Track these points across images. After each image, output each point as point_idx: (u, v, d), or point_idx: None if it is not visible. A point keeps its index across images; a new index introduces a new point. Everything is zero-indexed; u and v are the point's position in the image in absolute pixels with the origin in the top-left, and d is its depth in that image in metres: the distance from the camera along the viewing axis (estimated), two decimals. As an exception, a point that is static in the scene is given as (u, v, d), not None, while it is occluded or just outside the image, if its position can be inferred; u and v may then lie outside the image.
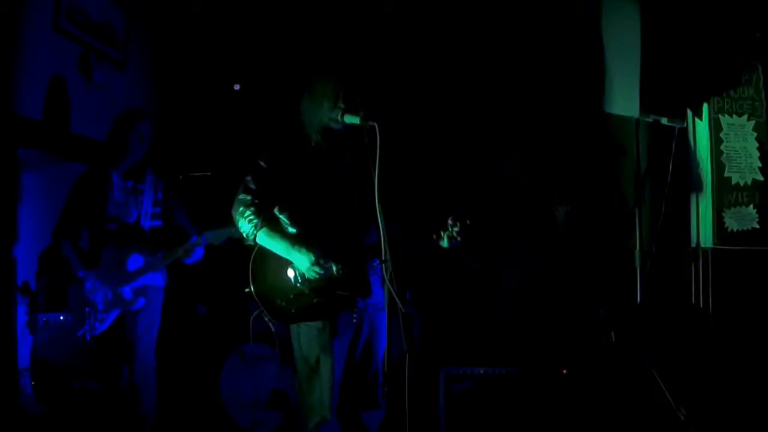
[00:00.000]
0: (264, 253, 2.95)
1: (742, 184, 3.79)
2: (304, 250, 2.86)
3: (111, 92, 4.51)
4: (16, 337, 3.66)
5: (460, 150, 4.64)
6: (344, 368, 3.02)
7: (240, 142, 4.52)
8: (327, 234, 2.93)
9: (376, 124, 2.66)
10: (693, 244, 3.87)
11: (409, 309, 2.83)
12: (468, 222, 2.85)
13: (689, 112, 3.86)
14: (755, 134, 3.83)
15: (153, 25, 5.03)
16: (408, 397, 2.59)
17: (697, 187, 3.84)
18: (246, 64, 4.90)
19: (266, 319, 3.08)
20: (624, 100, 3.70)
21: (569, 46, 4.36)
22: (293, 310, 2.94)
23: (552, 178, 4.39)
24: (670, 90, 3.73)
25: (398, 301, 2.60)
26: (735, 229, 3.77)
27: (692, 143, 3.88)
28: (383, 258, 2.65)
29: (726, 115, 3.83)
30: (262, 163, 2.98)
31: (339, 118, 2.86)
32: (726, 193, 3.79)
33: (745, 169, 3.81)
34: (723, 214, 3.77)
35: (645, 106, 3.64)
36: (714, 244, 3.76)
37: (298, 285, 2.91)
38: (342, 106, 2.87)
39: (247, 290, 2.95)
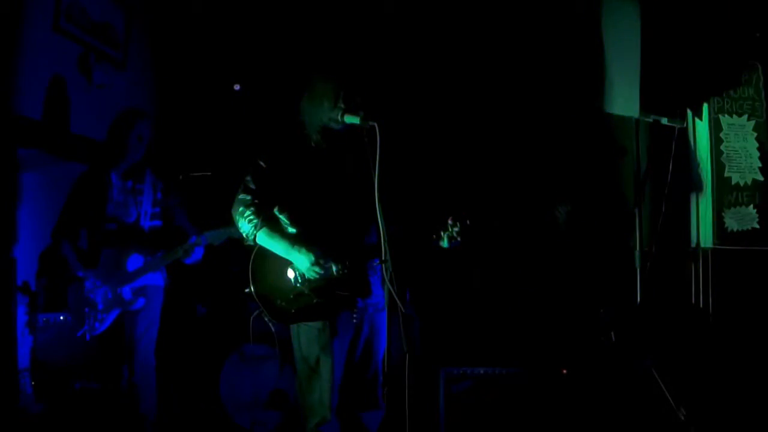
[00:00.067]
0: (264, 253, 2.95)
1: (742, 184, 3.79)
2: (304, 250, 2.86)
3: (111, 92, 4.51)
4: (16, 337, 3.66)
5: (461, 150, 4.64)
6: (344, 368, 3.02)
7: (240, 142, 4.51)
8: (327, 234, 2.93)
9: (376, 124, 2.66)
10: (693, 244, 3.87)
11: (409, 309, 2.83)
12: (468, 222, 2.85)
13: (689, 112, 3.86)
14: (755, 134, 3.83)
15: (153, 25, 5.03)
16: (408, 397, 2.59)
17: (697, 187, 3.84)
18: (246, 64, 4.90)
19: (266, 319, 3.07)
20: (624, 100, 3.70)
21: (569, 46, 4.36)
22: (293, 310, 2.94)
23: (552, 179, 4.39)
24: (670, 90, 3.73)
25: (398, 301, 2.60)
26: (735, 229, 3.77)
27: (692, 143, 3.89)
28: (383, 258, 2.65)
29: (726, 115, 3.83)
30: (261, 163, 2.98)
31: (339, 118, 2.85)
32: (726, 193, 3.79)
33: (745, 169, 3.81)
34: (723, 214, 3.78)
35: (645, 106, 3.64)
36: (714, 244, 3.77)
37: (298, 285, 2.91)
38: (342, 106, 2.87)
39: (247, 290, 2.95)
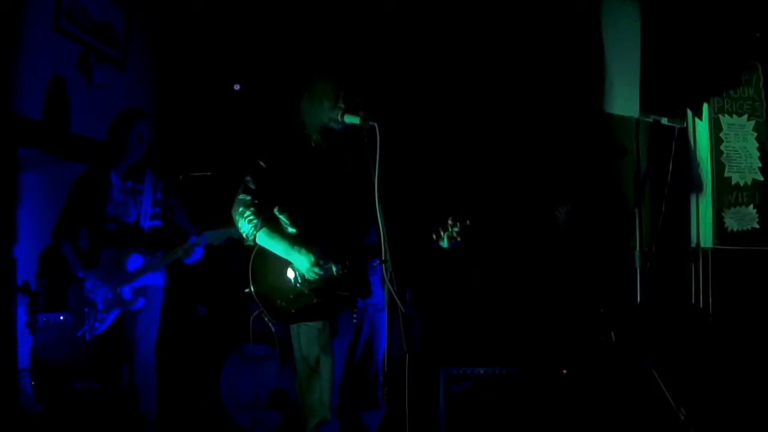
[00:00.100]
0: (264, 253, 2.95)
1: (742, 184, 3.79)
2: (303, 251, 2.86)
3: (111, 92, 4.51)
4: (16, 337, 3.66)
5: (461, 150, 4.64)
6: (344, 368, 3.02)
7: (240, 142, 4.51)
8: (327, 234, 2.93)
9: (376, 124, 2.66)
10: (693, 244, 3.87)
11: (409, 309, 2.83)
12: (468, 222, 2.85)
13: (689, 112, 3.86)
14: (755, 134, 3.83)
15: (153, 25, 5.03)
16: (408, 397, 2.59)
17: (697, 187, 3.84)
18: (246, 64, 4.90)
19: (266, 319, 3.07)
20: (624, 100, 3.70)
21: (569, 46, 4.36)
22: (293, 310, 2.94)
23: (552, 179, 4.39)
24: (670, 90, 3.73)
25: (398, 301, 2.60)
26: (735, 229, 3.77)
27: (692, 143, 3.89)
28: (383, 258, 2.65)
29: (726, 115, 3.83)
30: (261, 163, 2.98)
31: (339, 118, 2.85)
32: (726, 193, 3.79)
33: (745, 169, 3.81)
34: (723, 214, 3.78)
35: (645, 106, 3.64)
36: (714, 244, 3.76)
37: (298, 285, 2.91)
38: (342, 106, 2.87)
39: (247, 290, 2.95)
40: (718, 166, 3.81)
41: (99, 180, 3.73)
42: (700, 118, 3.85)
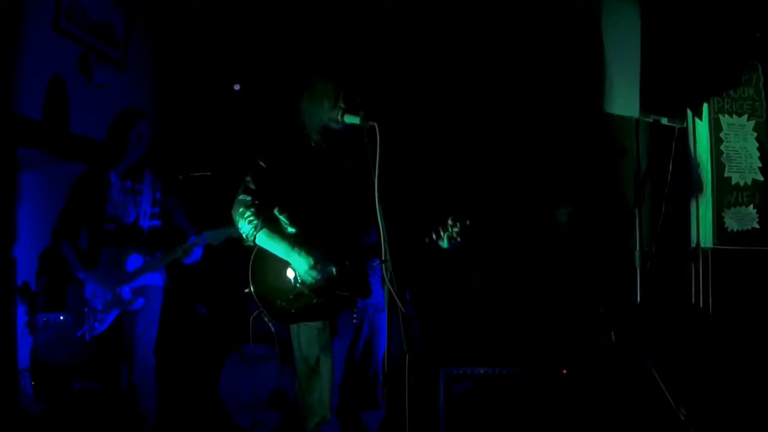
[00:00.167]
0: (264, 253, 2.95)
1: (742, 184, 3.79)
2: (303, 253, 2.85)
3: (111, 92, 4.51)
4: (16, 337, 3.66)
5: (461, 150, 4.64)
6: (344, 368, 3.02)
7: (240, 142, 4.51)
8: (327, 234, 2.93)
9: (376, 124, 2.66)
10: (693, 244, 3.87)
11: (409, 309, 2.83)
12: (468, 222, 2.85)
13: (689, 112, 3.86)
14: (755, 134, 3.83)
15: (153, 25, 5.03)
16: (408, 397, 2.59)
17: (697, 187, 3.84)
18: (246, 64, 4.90)
19: (266, 319, 3.07)
20: (624, 100, 3.70)
21: (569, 46, 4.36)
22: (293, 311, 2.94)
23: (552, 179, 4.39)
24: (670, 90, 3.73)
25: (398, 301, 2.60)
26: (735, 229, 3.77)
27: (692, 143, 3.88)
28: (383, 258, 2.64)
29: (726, 115, 3.83)
30: (262, 164, 2.98)
31: (339, 118, 2.85)
32: (726, 193, 3.79)
33: (745, 169, 3.81)
34: (723, 214, 3.78)
35: (645, 106, 3.64)
36: (714, 244, 3.76)
37: (298, 285, 2.91)
38: (342, 105, 2.87)
39: (246, 290, 2.95)
40: (718, 166, 3.81)
41: (98, 180, 3.73)
42: (700, 118, 3.85)
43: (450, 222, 2.85)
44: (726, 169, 3.81)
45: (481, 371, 3.68)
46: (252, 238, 2.93)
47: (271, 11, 4.95)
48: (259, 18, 4.96)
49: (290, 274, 2.92)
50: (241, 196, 2.97)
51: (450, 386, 3.65)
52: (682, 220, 3.89)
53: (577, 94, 4.30)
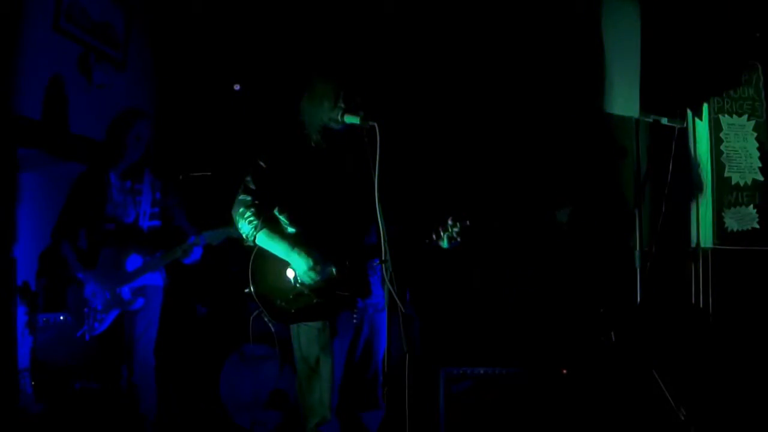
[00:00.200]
0: (264, 253, 2.95)
1: (742, 184, 3.79)
2: (303, 254, 2.85)
3: (111, 92, 4.51)
4: (16, 337, 3.66)
5: (461, 150, 4.64)
6: (344, 368, 3.02)
7: (240, 142, 4.51)
8: (327, 234, 2.93)
9: (376, 124, 2.66)
10: (693, 244, 3.86)
11: (409, 309, 2.84)
12: (468, 223, 2.85)
13: (689, 112, 3.85)
14: (755, 134, 3.82)
15: (153, 25, 5.03)
16: (408, 397, 2.59)
17: (697, 187, 3.84)
18: (246, 64, 4.90)
19: (266, 319, 3.07)
20: (624, 100, 3.70)
21: (569, 46, 4.36)
22: (293, 311, 2.94)
23: (552, 179, 4.39)
24: (670, 90, 3.73)
25: (398, 301, 2.60)
26: (735, 229, 3.77)
27: (692, 143, 3.88)
28: (383, 258, 2.65)
29: (726, 115, 3.83)
30: (262, 164, 2.98)
31: (339, 118, 2.85)
32: (726, 193, 3.79)
33: (745, 169, 3.80)
34: (723, 214, 3.77)
35: (645, 106, 3.64)
36: (714, 244, 3.76)
37: (298, 285, 2.91)
38: (342, 106, 2.87)
39: (246, 290, 2.95)
40: (718, 166, 3.80)
41: (98, 180, 3.73)
42: (700, 118, 3.85)
43: (450, 222, 2.86)
44: (726, 169, 3.81)
45: (481, 371, 3.68)
46: (252, 238, 2.93)
47: (271, 11, 4.95)
48: (259, 18, 4.96)
49: (290, 274, 2.92)
50: (241, 196, 2.96)
51: (450, 386, 3.65)
52: (682, 220, 3.89)
53: (577, 94, 4.30)
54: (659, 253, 3.73)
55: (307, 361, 2.95)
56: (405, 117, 4.34)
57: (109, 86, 4.50)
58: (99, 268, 3.67)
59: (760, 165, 3.80)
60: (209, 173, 4.60)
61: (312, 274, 2.85)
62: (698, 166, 3.85)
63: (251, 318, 4.06)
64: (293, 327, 3.01)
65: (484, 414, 3.63)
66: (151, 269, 3.74)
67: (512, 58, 4.61)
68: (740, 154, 3.81)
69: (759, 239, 3.74)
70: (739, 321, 3.66)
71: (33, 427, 3.62)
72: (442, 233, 2.87)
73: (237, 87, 4.70)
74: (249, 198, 2.94)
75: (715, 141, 3.82)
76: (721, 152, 3.82)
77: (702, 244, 3.81)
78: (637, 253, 3.73)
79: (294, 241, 2.90)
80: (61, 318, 3.86)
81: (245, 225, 2.92)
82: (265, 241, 2.92)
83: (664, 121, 3.74)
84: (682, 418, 3.40)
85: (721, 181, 3.80)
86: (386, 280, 2.63)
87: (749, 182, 3.79)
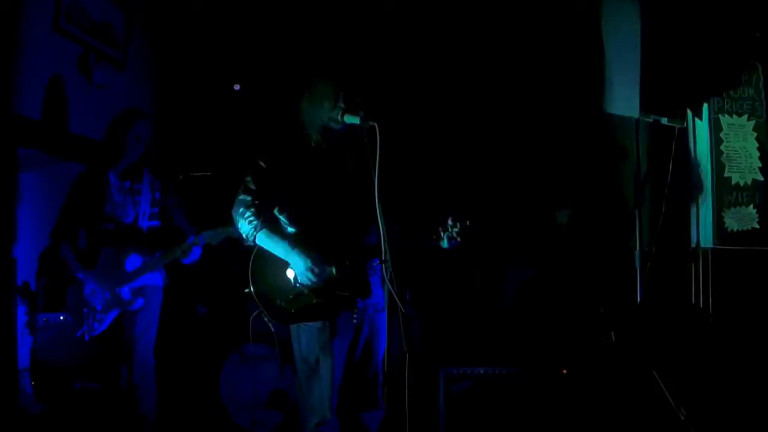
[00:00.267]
0: (264, 253, 2.95)
1: (742, 184, 3.79)
2: (302, 254, 2.85)
3: (111, 92, 4.51)
4: (16, 337, 3.66)
5: (461, 150, 4.64)
6: (344, 368, 3.02)
7: (240, 142, 4.51)
8: (327, 234, 2.93)
9: (376, 124, 2.66)
10: (693, 244, 3.86)
11: (409, 309, 2.84)
12: (468, 223, 2.85)
13: (689, 112, 3.85)
14: (755, 134, 3.82)
15: (153, 25, 5.03)
16: (408, 397, 2.59)
17: (697, 187, 3.84)
18: (246, 64, 4.90)
19: (266, 319, 3.07)
20: (624, 100, 3.70)
21: (569, 46, 4.36)
22: (293, 311, 2.94)
23: (553, 179, 4.39)
24: (670, 90, 3.73)
25: (398, 301, 2.60)
26: (735, 229, 3.76)
27: (692, 143, 3.88)
28: (383, 258, 2.65)
29: (726, 115, 3.83)
30: (261, 164, 2.98)
31: (339, 118, 2.85)
32: (726, 193, 3.79)
33: (745, 169, 3.80)
34: (723, 214, 3.77)
35: (645, 106, 3.64)
36: (714, 244, 3.76)
37: (298, 285, 2.91)
38: (342, 106, 2.87)
39: (246, 290, 2.95)
40: (718, 166, 3.80)
41: (97, 180, 3.73)
42: (700, 118, 3.84)
43: (450, 222, 2.86)
44: (726, 169, 3.81)
45: (481, 371, 3.68)
46: (252, 238, 2.93)
47: (271, 11, 4.95)
48: (259, 18, 4.96)
49: (290, 274, 2.92)
50: (241, 196, 2.96)
51: (450, 386, 3.65)
52: (682, 220, 3.89)
53: (578, 94, 4.30)
54: (659, 253, 3.73)
55: (307, 361, 2.95)
56: (405, 117, 4.34)
57: (109, 86, 4.50)
58: (98, 268, 3.67)
59: (760, 165, 3.80)
60: (209, 173, 4.60)
61: (311, 274, 2.85)
62: (698, 166, 3.85)
63: (251, 318, 4.06)
64: (293, 327, 3.01)
65: (484, 414, 3.63)
66: (150, 269, 3.74)
67: (512, 57, 4.61)
68: (740, 154, 3.81)
69: (759, 239, 3.74)
70: (739, 321, 3.66)
71: (33, 427, 3.62)
72: (442, 233, 2.87)
73: (237, 87, 4.70)
74: (249, 198, 2.94)
75: (715, 141, 3.82)
76: (721, 152, 3.82)
77: (702, 244, 3.81)
78: (637, 253, 3.73)
79: (294, 241, 2.90)
80: (61, 318, 3.86)
81: (245, 225, 2.92)
82: (264, 241, 2.92)
83: (664, 121, 3.74)
84: (682, 418, 3.40)
85: (721, 181, 3.79)
86: (386, 280, 2.63)
87: (749, 182, 3.79)
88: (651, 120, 3.74)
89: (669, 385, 3.44)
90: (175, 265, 3.80)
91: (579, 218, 4.22)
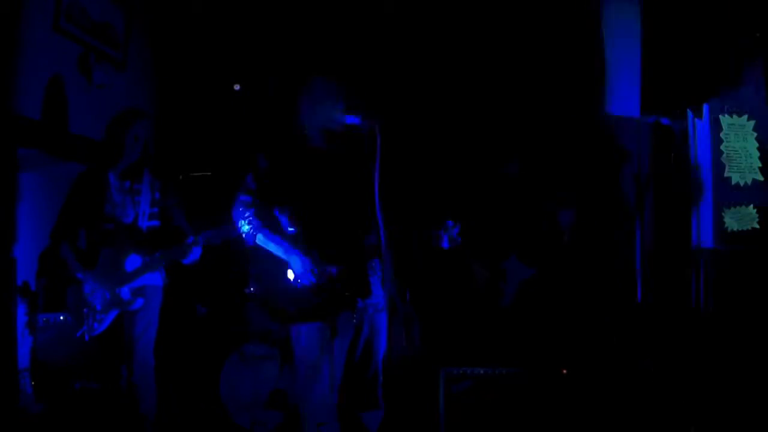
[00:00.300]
0: (264, 253, 2.95)
1: (742, 184, 3.79)
2: (302, 254, 2.86)
3: (111, 92, 4.51)
4: (16, 337, 3.66)
5: (461, 150, 4.64)
6: (344, 368, 3.02)
7: (240, 142, 4.52)
8: (327, 234, 2.93)
9: (376, 124, 2.66)
10: (693, 244, 3.86)
11: (409, 309, 2.84)
12: (468, 223, 2.85)
13: (689, 112, 3.85)
14: (755, 134, 3.82)
15: (153, 25, 5.03)
16: (408, 397, 2.59)
17: (697, 187, 3.84)
18: (246, 64, 4.90)
19: (266, 319, 3.07)
20: (624, 100, 3.70)
21: (569, 45, 4.36)
22: (293, 311, 2.94)
23: (553, 179, 4.39)
24: (671, 90, 3.73)
25: (398, 301, 2.60)
26: (735, 229, 3.76)
27: (692, 143, 3.88)
28: (383, 258, 2.64)
29: (726, 115, 3.83)
30: (261, 164, 2.98)
31: (339, 118, 2.86)
32: (726, 193, 3.78)
33: (745, 169, 3.80)
34: (723, 214, 3.77)
35: (645, 106, 3.64)
36: (714, 244, 3.76)
37: (298, 285, 2.91)
38: (342, 106, 2.87)
39: (246, 290, 2.95)
40: (718, 166, 3.80)
41: (97, 180, 3.73)
42: (700, 118, 3.84)
43: (450, 222, 2.86)
44: (726, 169, 3.80)
45: (481, 371, 3.68)
46: (252, 238, 2.93)
47: (270, 11, 4.95)
48: (259, 18, 4.96)
49: (290, 274, 2.92)
50: (242, 197, 2.97)
51: (450, 386, 3.64)
52: (682, 220, 3.89)
53: (578, 93, 4.30)
54: (659, 253, 3.73)
55: (307, 361, 2.95)
56: (405, 117, 4.34)
57: (109, 86, 4.50)
58: (98, 268, 3.67)
59: (760, 165, 3.79)
60: (209, 173, 4.60)
61: (311, 275, 2.85)
62: (698, 166, 3.85)
63: (251, 318, 4.06)
64: (293, 327, 3.00)
65: (484, 414, 3.63)
66: (150, 269, 3.73)
67: (512, 57, 4.61)
68: (740, 154, 3.81)
69: (759, 239, 3.74)
70: (739, 321, 3.66)
71: (33, 427, 3.62)
72: (442, 233, 2.88)
73: (237, 87, 4.70)
74: (249, 198, 2.94)
75: (715, 141, 3.81)
76: (721, 152, 3.81)
77: (702, 245, 3.81)
78: (637, 254, 3.72)
79: (294, 242, 2.90)
80: (61, 318, 3.86)
81: (245, 225, 2.93)
82: (264, 241, 2.92)
83: (664, 121, 3.74)
84: (682, 418, 3.40)
85: (721, 181, 3.79)
86: (386, 280, 2.63)
87: (749, 182, 3.79)
88: (651, 120, 3.74)
89: (669, 385, 3.44)
90: (175, 265, 3.80)
91: (580, 218, 4.22)
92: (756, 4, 3.77)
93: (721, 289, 3.71)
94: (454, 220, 2.85)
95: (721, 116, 3.81)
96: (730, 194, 3.78)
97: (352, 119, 2.81)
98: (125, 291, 3.68)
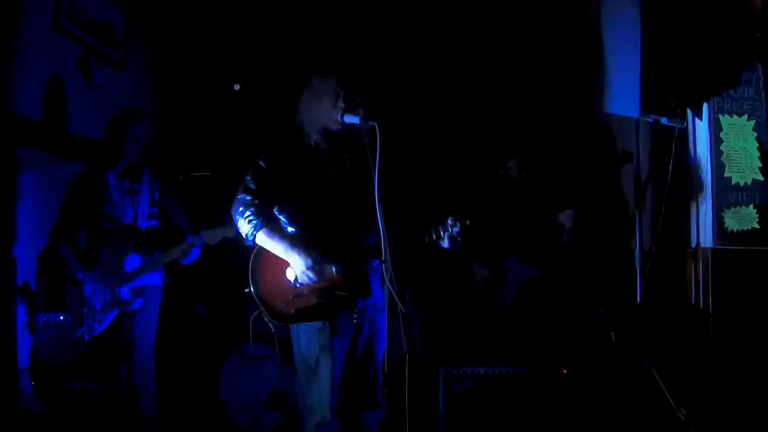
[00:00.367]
0: (263, 253, 2.95)
1: (742, 184, 3.79)
2: (302, 254, 2.86)
3: (111, 92, 4.51)
4: (16, 337, 3.66)
5: (461, 150, 4.64)
6: (344, 368, 3.02)
7: (240, 142, 4.51)
8: (327, 234, 2.93)
9: (376, 124, 2.66)
10: (693, 244, 3.86)
11: (409, 309, 2.84)
12: (468, 222, 2.85)
13: (689, 112, 3.85)
14: (755, 134, 3.82)
15: (153, 25, 5.03)
16: (408, 397, 2.59)
17: (697, 187, 3.84)
18: (246, 64, 4.90)
19: (266, 319, 3.07)
20: (624, 100, 3.70)
21: (569, 46, 4.36)
22: (293, 311, 2.94)
23: (553, 179, 4.39)
24: (671, 90, 3.72)
25: (398, 301, 2.60)
26: (735, 229, 3.76)
27: (692, 143, 3.88)
28: (383, 258, 2.64)
29: (726, 115, 3.82)
30: (261, 163, 2.98)
31: (339, 117, 2.86)
32: (726, 193, 3.78)
33: (745, 169, 3.80)
34: (723, 214, 3.77)
35: (645, 106, 3.64)
36: (714, 244, 3.76)
37: (298, 285, 2.91)
38: (342, 105, 2.87)
39: (246, 290, 2.95)
40: (718, 166, 3.80)
41: (97, 180, 3.73)
42: (700, 118, 3.84)
43: (450, 222, 2.85)
44: (726, 169, 3.80)
45: (481, 371, 3.67)
46: (251, 237, 2.93)
47: (270, 11, 4.95)
48: (259, 18, 4.96)
49: (290, 274, 2.92)
50: (241, 196, 2.97)
51: (450, 386, 3.64)
52: (682, 220, 3.89)
53: (577, 93, 4.30)
54: (659, 253, 3.73)
55: (307, 361, 2.95)
56: (405, 117, 4.34)
57: (109, 86, 4.50)
58: (98, 268, 3.67)
59: (760, 165, 3.79)
60: (209, 173, 4.60)
61: (311, 274, 2.85)
62: (698, 166, 3.85)
63: (251, 318, 4.06)
64: (293, 327, 3.01)
65: (484, 414, 3.63)
66: (150, 269, 3.74)
67: (513, 58, 4.61)
68: (740, 154, 3.81)
69: (759, 239, 3.73)
70: (739, 321, 3.66)
71: (33, 427, 3.62)
72: (442, 233, 2.87)
73: (237, 87, 4.70)
74: (249, 198, 2.94)
75: (715, 141, 3.81)
76: (721, 152, 3.81)
77: (702, 244, 3.80)
78: (637, 254, 3.72)
79: (293, 241, 2.90)
80: (61, 318, 3.86)
81: (245, 224, 2.93)
82: (264, 240, 2.92)
83: (664, 121, 3.74)
84: (682, 418, 3.40)
85: (721, 181, 3.79)
86: (386, 280, 2.63)
87: (749, 182, 3.79)
88: (651, 120, 3.74)
89: (669, 385, 3.44)
90: (175, 265, 3.80)
91: (580, 218, 4.22)
92: (756, 4, 3.77)
93: (721, 289, 3.71)
94: (455, 220, 2.85)
95: (721, 116, 3.81)
96: (730, 194, 3.78)
97: (351, 119, 2.81)
98: (125, 291, 3.68)
